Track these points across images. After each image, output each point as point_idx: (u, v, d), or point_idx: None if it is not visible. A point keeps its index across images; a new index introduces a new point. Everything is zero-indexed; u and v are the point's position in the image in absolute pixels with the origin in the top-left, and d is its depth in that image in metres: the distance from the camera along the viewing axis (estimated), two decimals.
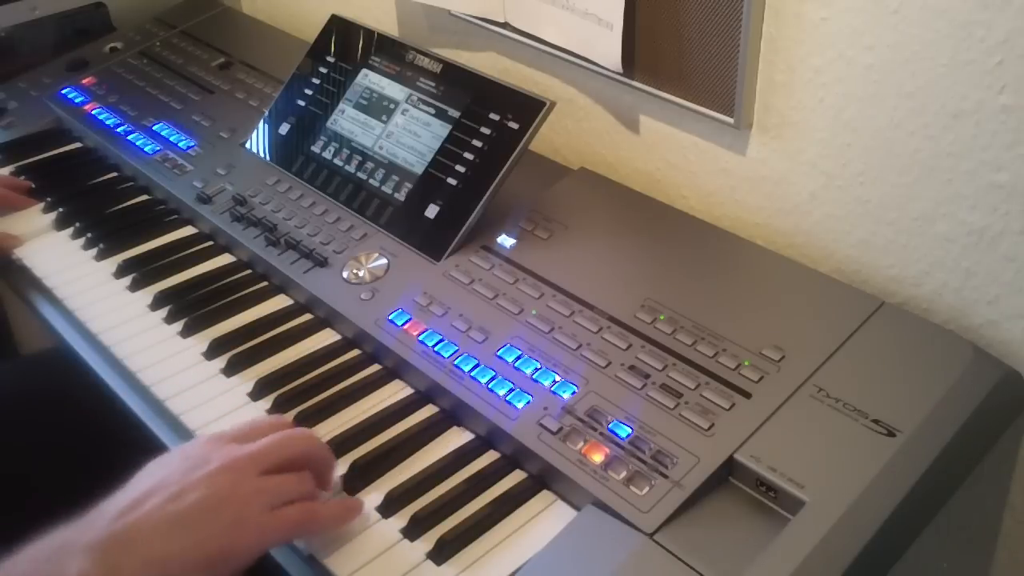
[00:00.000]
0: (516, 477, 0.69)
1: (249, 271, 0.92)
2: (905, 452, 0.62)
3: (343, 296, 0.83)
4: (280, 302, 0.88)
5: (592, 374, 0.71)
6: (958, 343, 0.69)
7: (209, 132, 1.07)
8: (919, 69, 0.69)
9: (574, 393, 0.70)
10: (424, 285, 0.82)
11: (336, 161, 0.95)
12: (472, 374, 0.73)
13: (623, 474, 0.63)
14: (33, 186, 1.05)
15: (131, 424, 0.77)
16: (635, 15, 0.84)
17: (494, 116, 0.86)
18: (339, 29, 1.02)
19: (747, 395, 0.67)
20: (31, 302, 0.92)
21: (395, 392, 0.77)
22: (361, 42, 0.99)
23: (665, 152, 0.91)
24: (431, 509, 0.66)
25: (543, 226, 0.85)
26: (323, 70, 1.01)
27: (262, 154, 1.01)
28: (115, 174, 1.09)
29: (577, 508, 0.65)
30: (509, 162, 0.83)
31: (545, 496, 0.67)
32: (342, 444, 0.71)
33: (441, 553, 0.63)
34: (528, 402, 0.70)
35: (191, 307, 0.86)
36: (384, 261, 0.85)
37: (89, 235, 0.97)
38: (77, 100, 1.18)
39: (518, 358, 0.73)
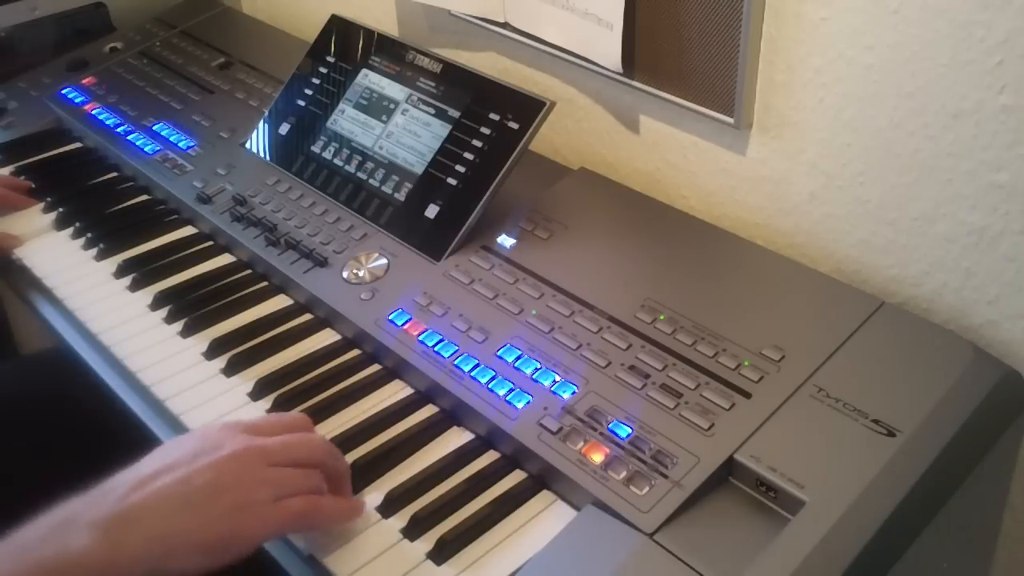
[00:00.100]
0: (516, 477, 0.69)
1: (249, 271, 0.92)
2: (905, 452, 0.62)
3: (343, 296, 0.83)
4: (280, 302, 0.88)
5: (592, 374, 0.71)
6: (958, 343, 0.69)
7: (209, 132, 1.07)
8: (919, 69, 0.69)
9: (574, 393, 0.70)
10: (424, 285, 0.82)
11: (336, 161, 0.95)
12: (472, 374, 0.73)
13: (623, 474, 0.63)
14: (33, 186, 1.05)
15: (131, 424, 0.77)
16: (635, 15, 0.84)
17: (494, 116, 0.86)
18: (339, 29, 1.02)
19: (747, 395, 0.67)
20: (31, 302, 0.92)
21: (395, 392, 0.77)
22: (361, 42, 0.99)
23: (665, 152, 0.92)
24: (431, 509, 0.66)
25: (543, 226, 0.85)
26: (323, 70, 1.01)
27: (262, 154, 1.01)
28: (115, 174, 1.09)
29: (577, 508, 0.65)
30: (509, 162, 0.83)
31: (545, 496, 0.67)
32: (342, 444, 0.71)
33: (441, 553, 0.63)
34: (528, 402, 0.70)
35: (191, 307, 0.86)
36: (384, 261, 0.85)
37: (89, 235, 0.97)
38: (77, 100, 1.18)
39: (518, 358, 0.73)
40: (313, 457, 0.65)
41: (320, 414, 0.74)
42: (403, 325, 0.78)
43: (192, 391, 0.78)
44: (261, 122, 1.03)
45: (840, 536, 0.58)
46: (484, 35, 1.03)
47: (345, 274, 0.85)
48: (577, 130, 1.00)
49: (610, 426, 0.67)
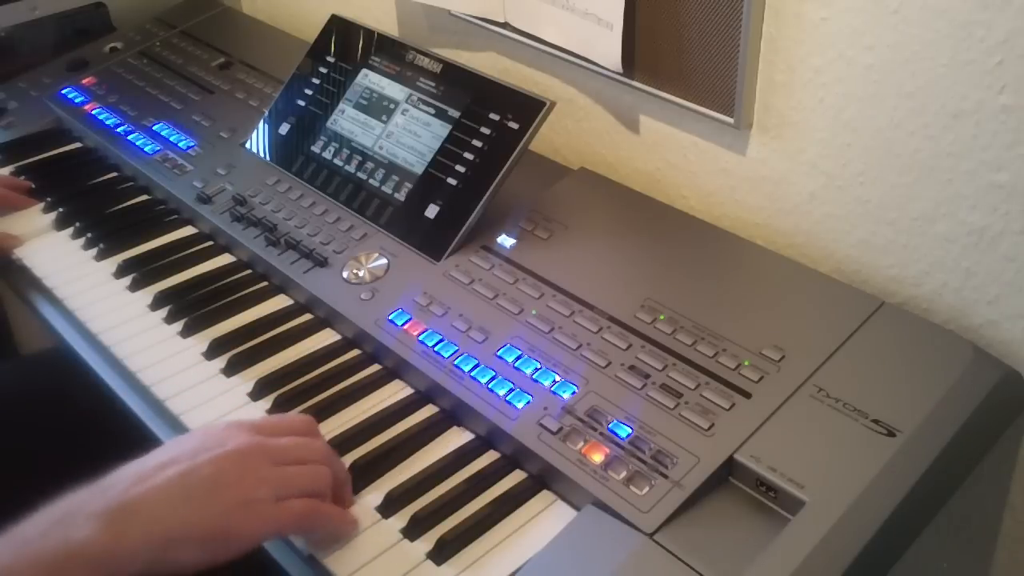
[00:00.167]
0: (516, 477, 0.69)
1: (249, 271, 0.92)
2: (905, 452, 0.62)
3: (343, 296, 0.83)
4: (280, 302, 0.88)
5: (592, 374, 0.71)
6: (958, 343, 0.69)
7: (209, 132, 1.07)
8: (919, 69, 0.69)
9: (574, 393, 0.70)
10: (424, 285, 0.82)
11: (336, 161, 0.95)
12: (472, 374, 0.73)
13: (623, 474, 0.63)
14: (33, 186, 1.05)
15: (131, 424, 0.77)
16: (635, 15, 0.84)
17: (494, 116, 0.86)
18: (339, 29, 1.02)
19: (747, 395, 0.67)
20: (31, 302, 0.92)
21: (395, 392, 0.77)
22: (361, 42, 0.99)
23: (665, 152, 0.91)
24: (431, 509, 0.66)
25: (543, 226, 0.85)
26: (323, 70, 1.01)
27: (262, 154, 1.01)
28: (115, 174, 1.09)
29: (577, 508, 0.65)
30: (509, 162, 0.83)
31: (545, 496, 0.67)
32: (342, 444, 0.71)
33: (441, 553, 0.63)
34: (528, 402, 0.70)
35: (191, 307, 0.86)
36: (384, 261, 0.85)
37: (89, 235, 0.97)
38: (77, 100, 1.18)
39: (518, 358, 0.73)
40: (317, 461, 0.65)
41: (320, 414, 0.74)
42: (403, 325, 0.78)
43: (192, 391, 0.78)
44: (261, 122, 1.03)
45: (840, 536, 0.58)
46: (484, 35, 1.03)
47: (345, 274, 0.85)
48: (577, 130, 1.00)
49: (610, 426, 0.67)
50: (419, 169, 0.89)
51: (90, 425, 0.89)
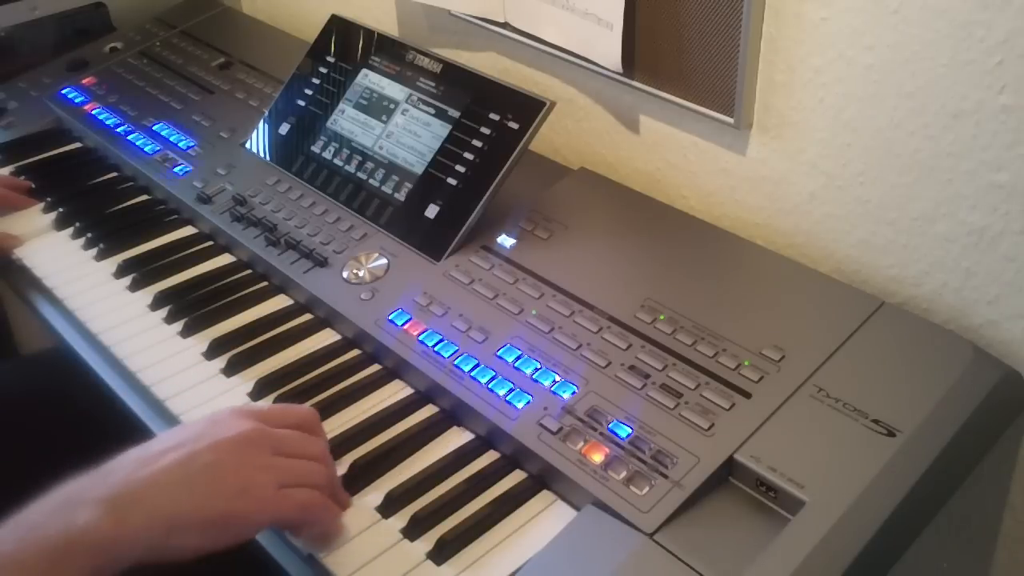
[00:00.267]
0: (516, 477, 0.69)
1: (249, 271, 0.92)
2: (905, 452, 0.62)
3: (343, 296, 0.83)
4: (280, 302, 0.88)
5: (592, 374, 0.71)
6: (958, 343, 0.69)
7: (209, 132, 1.07)
8: (919, 69, 0.69)
9: (574, 393, 0.70)
10: (424, 285, 0.82)
11: (336, 161, 0.95)
12: (472, 374, 0.73)
13: (623, 474, 0.63)
14: (33, 186, 1.05)
15: (131, 424, 0.77)
16: (635, 15, 0.84)
17: (494, 116, 0.86)
18: (339, 29, 1.02)
19: (747, 395, 0.67)
20: (31, 302, 0.92)
21: (395, 392, 0.77)
22: (361, 42, 0.99)
23: (665, 152, 0.91)
24: (431, 509, 0.66)
25: (543, 226, 0.85)
26: (323, 70, 1.01)
27: (262, 154, 1.01)
28: (115, 174, 1.09)
29: (577, 508, 0.65)
30: (509, 162, 0.83)
31: (545, 496, 0.67)
32: (342, 444, 0.71)
33: (441, 553, 0.63)
34: (528, 402, 0.70)
35: (191, 307, 0.86)
36: (384, 261, 0.85)
37: (89, 235, 0.97)
38: (77, 100, 1.18)
39: (518, 358, 0.73)
40: (314, 457, 0.65)
41: (320, 414, 0.74)
42: (403, 325, 0.78)
43: (192, 391, 0.78)
44: (261, 122, 1.03)
45: (840, 536, 0.58)
46: (484, 35, 1.03)
47: (345, 274, 0.85)
48: (577, 130, 1.00)
49: (610, 426, 0.67)
50: (419, 169, 0.89)
51: (90, 425, 0.89)
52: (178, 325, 0.84)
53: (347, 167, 0.94)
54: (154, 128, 1.10)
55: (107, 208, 1.03)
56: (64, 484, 0.57)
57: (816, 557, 0.57)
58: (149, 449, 0.60)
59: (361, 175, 0.93)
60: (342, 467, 0.69)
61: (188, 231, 0.98)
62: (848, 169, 0.77)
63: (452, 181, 0.86)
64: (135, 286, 0.90)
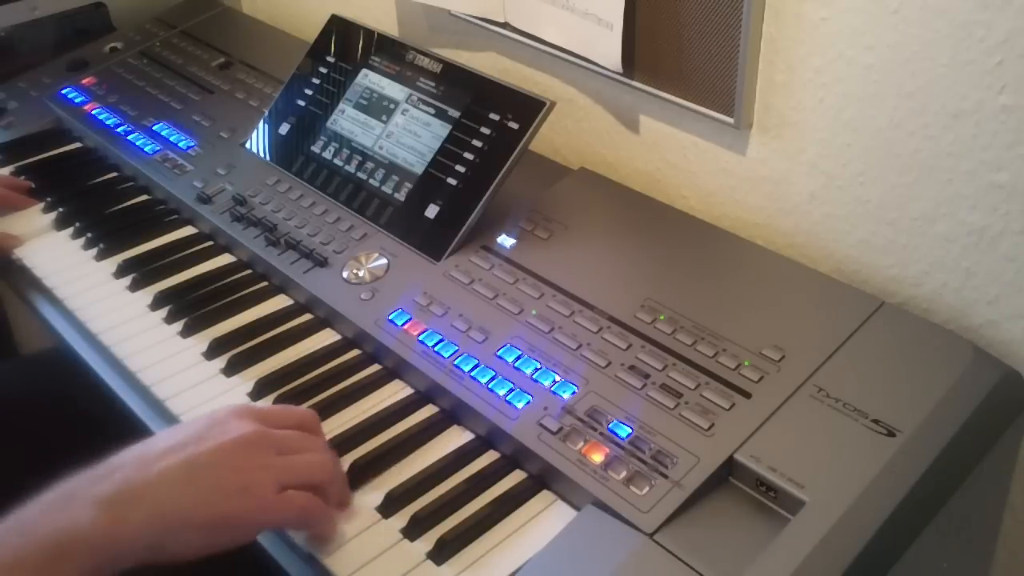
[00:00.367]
0: (516, 477, 0.69)
1: (249, 271, 0.92)
2: (905, 452, 0.62)
3: (343, 296, 0.83)
4: (280, 302, 0.88)
5: (592, 374, 0.71)
6: (958, 343, 0.69)
7: (209, 132, 1.07)
8: (919, 69, 0.69)
9: (574, 393, 0.70)
10: (424, 285, 0.82)
11: (336, 161, 0.95)
12: (472, 374, 0.73)
13: (623, 474, 0.63)
14: (33, 186, 1.05)
15: (131, 424, 0.77)
16: (635, 15, 0.84)
17: (494, 116, 0.86)
18: (339, 29, 1.02)
19: (747, 395, 0.67)
20: (31, 302, 0.92)
21: (395, 392, 0.77)
22: (361, 42, 0.99)
23: (665, 152, 0.91)
24: (431, 509, 0.66)
25: (543, 226, 0.85)
26: (323, 70, 1.01)
27: (262, 154, 1.01)
28: (115, 174, 1.09)
29: (577, 508, 0.65)
30: (509, 162, 0.83)
31: (545, 496, 0.67)
32: (342, 444, 0.71)
33: (441, 553, 0.63)
34: (528, 402, 0.70)
35: (191, 307, 0.86)
36: (384, 261, 0.85)
37: (89, 235, 0.97)
38: (77, 100, 1.18)
39: (518, 358, 0.73)
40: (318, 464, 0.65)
41: (320, 414, 0.74)
42: (403, 325, 0.78)
43: (192, 391, 0.78)
44: (261, 122, 1.03)
45: (840, 536, 0.58)
46: (484, 35, 1.03)
47: (345, 274, 0.85)
48: (577, 130, 1.00)
49: (610, 426, 0.67)
50: (419, 169, 0.89)
51: (90, 425, 0.89)
52: (178, 325, 0.84)
53: (347, 167, 0.94)
54: (154, 128, 1.10)
55: (107, 208, 1.03)
56: (64, 481, 0.57)
57: (816, 557, 0.57)
58: (150, 448, 0.60)
59: (361, 175, 0.93)
60: (342, 467, 0.69)
61: (188, 231, 0.98)
62: (848, 169, 0.77)
63: (452, 181, 0.86)
64: (135, 286, 0.90)
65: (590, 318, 0.75)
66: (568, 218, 0.85)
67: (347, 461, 0.70)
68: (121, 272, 0.92)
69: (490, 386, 0.72)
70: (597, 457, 0.65)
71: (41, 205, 1.03)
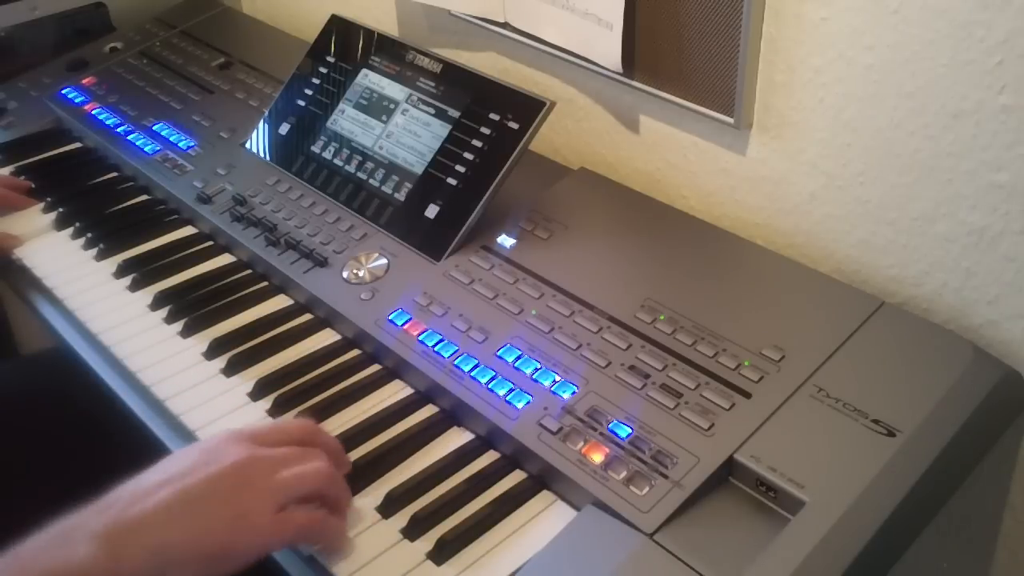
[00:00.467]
0: (516, 477, 0.69)
1: (249, 271, 0.92)
2: (905, 452, 0.62)
3: (343, 296, 0.83)
4: (280, 302, 0.88)
5: (592, 374, 0.71)
6: (958, 343, 0.69)
7: (209, 132, 1.07)
8: (919, 69, 0.69)
9: (574, 393, 0.70)
10: (424, 285, 0.82)
11: (336, 161, 0.95)
12: (472, 374, 0.73)
13: (623, 474, 0.63)
14: (33, 186, 1.05)
15: (131, 424, 0.77)
16: (635, 15, 0.84)
17: (494, 116, 0.86)
18: (339, 29, 1.02)
19: (747, 395, 0.67)
20: (31, 302, 0.92)
21: (395, 392, 0.77)
22: (361, 42, 0.99)
23: (665, 152, 0.91)
24: (431, 509, 0.66)
25: (543, 226, 0.85)
26: (323, 70, 1.01)
27: (262, 154, 1.01)
28: (115, 174, 1.09)
29: (577, 508, 0.65)
30: (509, 162, 0.83)
31: (545, 496, 0.67)
32: (342, 444, 0.71)
33: (441, 553, 0.63)
34: (528, 402, 0.70)
35: (191, 307, 0.86)
36: (384, 261, 0.85)
37: (89, 235, 0.97)
38: (77, 100, 1.18)
39: (518, 358, 0.73)
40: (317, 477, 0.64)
41: (320, 414, 0.74)
42: (403, 325, 0.78)
43: (192, 391, 0.78)
44: (261, 122, 1.03)
45: (840, 536, 0.58)
46: (484, 35, 1.03)
47: (345, 274, 0.85)
48: (577, 130, 1.00)
49: (610, 426, 0.67)
50: (419, 169, 0.89)
51: (90, 425, 0.89)
52: (178, 325, 0.84)
53: (347, 167, 0.94)
54: (154, 128, 1.10)
55: (107, 208, 1.03)
56: (61, 518, 0.57)
57: (816, 557, 0.57)
58: (143, 482, 0.60)
59: (361, 175, 0.93)
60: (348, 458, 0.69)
61: (188, 231, 0.98)
62: (848, 169, 0.77)
63: (452, 181, 0.86)
64: (135, 286, 0.90)
65: (590, 318, 0.75)
66: (568, 218, 0.85)
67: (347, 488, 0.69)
68: (121, 272, 0.92)
69: (490, 386, 0.72)
70: (597, 457, 0.65)
71: (41, 205, 1.03)
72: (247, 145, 1.03)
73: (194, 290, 0.89)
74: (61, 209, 1.01)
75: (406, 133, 0.91)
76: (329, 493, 0.64)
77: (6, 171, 1.09)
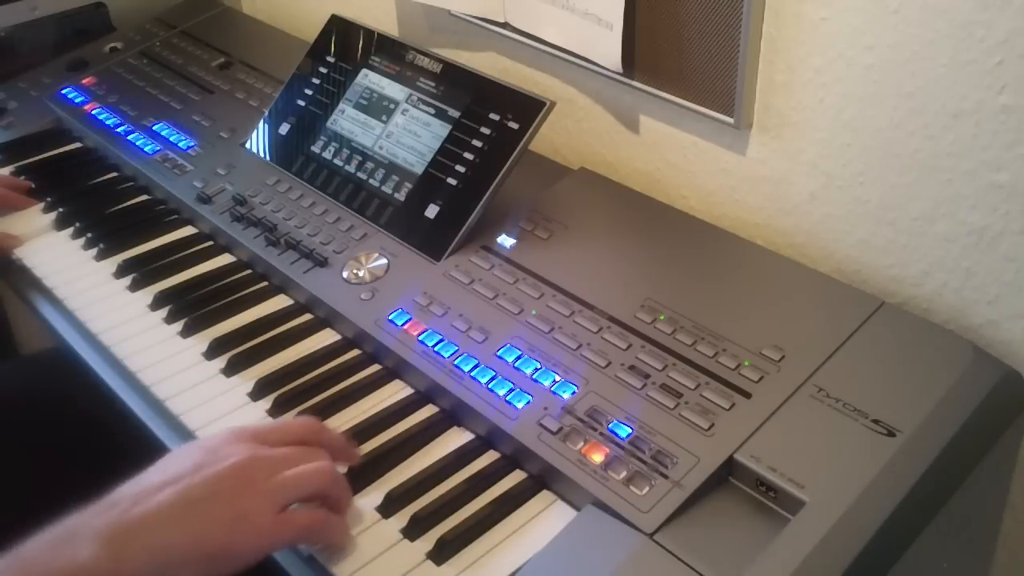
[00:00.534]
0: (516, 477, 0.69)
1: (249, 271, 0.92)
2: (905, 452, 0.62)
3: (343, 296, 0.83)
4: (280, 302, 0.88)
5: (592, 374, 0.71)
6: (958, 343, 0.69)
7: (209, 132, 1.07)
8: (919, 69, 0.69)
9: (574, 393, 0.70)
10: (424, 285, 0.82)
11: (336, 161, 0.95)
12: (472, 374, 0.73)
13: (623, 474, 0.63)
14: (33, 186, 1.05)
15: (131, 424, 0.77)
16: (635, 15, 0.84)
17: (494, 116, 0.86)
18: (339, 29, 1.02)
19: (747, 395, 0.67)
20: (31, 302, 0.92)
21: (395, 392, 0.77)
22: (361, 42, 0.99)
23: (665, 152, 0.92)
24: (431, 509, 0.66)
25: (543, 226, 0.85)
26: (323, 70, 1.01)
27: (262, 154, 1.01)
28: (115, 174, 1.09)
29: (577, 508, 0.65)
30: (509, 162, 0.83)
31: (545, 496, 0.67)
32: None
33: (441, 553, 0.63)
34: (528, 402, 0.70)
35: (191, 307, 0.86)
36: (384, 261, 0.85)
37: (89, 235, 0.97)
38: (77, 100, 1.18)
39: (518, 358, 0.73)
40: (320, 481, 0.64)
41: (320, 414, 0.74)
42: (403, 325, 0.78)
43: (192, 391, 0.78)
44: (261, 122, 1.03)
45: (840, 536, 0.58)
46: (484, 35, 1.03)
47: (345, 274, 0.85)
48: (577, 130, 1.00)
49: (610, 426, 0.67)
50: (419, 169, 0.89)
51: (90, 425, 0.89)
52: (178, 325, 0.84)
53: (347, 167, 0.94)
54: (154, 128, 1.10)
55: (107, 208, 1.03)
56: (63, 520, 0.57)
57: (816, 557, 0.57)
58: (144, 482, 0.60)
59: (361, 175, 0.93)
60: (341, 467, 0.69)
61: (188, 231, 0.98)
62: (848, 169, 0.77)
63: (452, 181, 0.86)
64: (135, 286, 0.90)
65: (590, 318, 0.75)
66: (568, 218, 0.85)
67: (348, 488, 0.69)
68: (121, 272, 0.92)
69: (490, 386, 0.72)
70: (597, 457, 0.65)
71: (41, 205, 1.03)
72: (247, 145, 1.03)
73: (194, 290, 0.89)
74: (61, 209, 1.01)
75: (406, 133, 0.91)
76: (330, 493, 0.64)
77: (6, 171, 1.09)
